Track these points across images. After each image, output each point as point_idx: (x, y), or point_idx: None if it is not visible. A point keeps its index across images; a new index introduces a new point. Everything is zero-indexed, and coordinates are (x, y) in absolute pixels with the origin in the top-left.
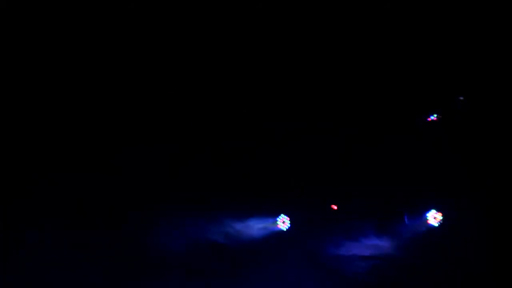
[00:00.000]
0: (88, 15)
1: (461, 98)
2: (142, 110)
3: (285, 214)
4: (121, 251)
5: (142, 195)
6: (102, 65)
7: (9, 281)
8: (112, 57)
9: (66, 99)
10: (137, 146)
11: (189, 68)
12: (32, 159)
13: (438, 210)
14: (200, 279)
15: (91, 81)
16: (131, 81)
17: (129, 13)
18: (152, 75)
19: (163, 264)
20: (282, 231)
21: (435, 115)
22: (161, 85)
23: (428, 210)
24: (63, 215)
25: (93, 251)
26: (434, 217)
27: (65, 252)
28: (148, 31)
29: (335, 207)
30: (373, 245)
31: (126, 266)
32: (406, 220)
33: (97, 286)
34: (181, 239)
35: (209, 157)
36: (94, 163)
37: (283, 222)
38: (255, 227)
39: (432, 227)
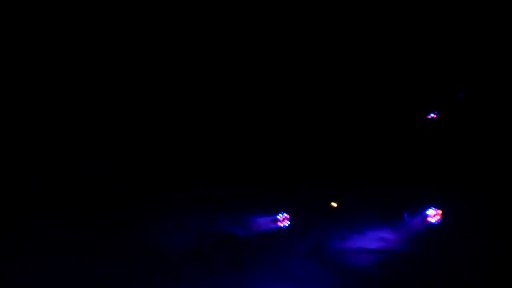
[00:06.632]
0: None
1: (462, 95)
2: (142, 110)
3: (286, 211)
4: (125, 247)
5: (147, 192)
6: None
7: (10, 281)
8: (112, 57)
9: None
10: (138, 146)
11: (189, 68)
12: (32, 158)
13: (437, 208)
14: (206, 272)
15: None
16: (131, 81)
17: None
18: (151, 75)
19: (170, 258)
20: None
21: (435, 112)
22: (161, 85)
23: (427, 208)
24: (64, 215)
25: (99, 247)
26: (433, 215)
27: (69, 252)
28: (148, 31)
29: (335, 205)
30: (378, 238)
31: (131, 261)
32: (405, 217)
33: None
34: (188, 233)
35: (209, 157)
36: (94, 163)
37: (283, 220)
38: (260, 222)
39: (431, 224)
